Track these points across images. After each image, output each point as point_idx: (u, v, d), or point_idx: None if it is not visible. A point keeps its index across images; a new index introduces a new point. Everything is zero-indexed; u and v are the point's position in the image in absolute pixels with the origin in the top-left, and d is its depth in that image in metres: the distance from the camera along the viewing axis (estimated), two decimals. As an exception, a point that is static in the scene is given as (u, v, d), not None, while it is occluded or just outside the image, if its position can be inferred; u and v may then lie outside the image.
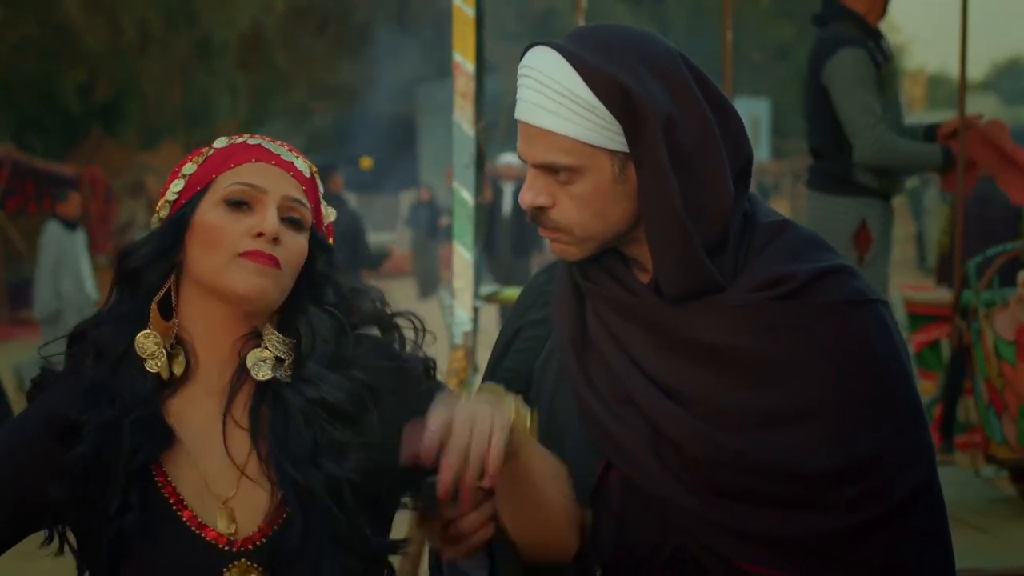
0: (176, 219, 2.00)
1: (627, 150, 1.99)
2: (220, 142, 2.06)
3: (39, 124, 24.74)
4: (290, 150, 2.06)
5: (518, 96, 2.04)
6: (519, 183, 13.77)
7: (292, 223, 1.99)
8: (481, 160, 5.24)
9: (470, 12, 4.83)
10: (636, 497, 2.03)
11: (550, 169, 2.01)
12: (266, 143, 2.05)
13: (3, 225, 18.87)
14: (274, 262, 1.95)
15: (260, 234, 1.95)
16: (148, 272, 2.00)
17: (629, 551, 2.03)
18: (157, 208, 2.04)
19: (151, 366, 1.99)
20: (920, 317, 6.84)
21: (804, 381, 1.98)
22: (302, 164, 2.05)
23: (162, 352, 1.99)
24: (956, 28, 6.16)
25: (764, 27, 33.56)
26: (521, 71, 2.04)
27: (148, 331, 1.99)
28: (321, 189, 2.09)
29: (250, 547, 1.95)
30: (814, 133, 5.74)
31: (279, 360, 2.00)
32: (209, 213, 1.98)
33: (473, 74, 4.84)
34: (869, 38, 5.56)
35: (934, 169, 5.70)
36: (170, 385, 2.01)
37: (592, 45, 2.00)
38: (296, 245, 1.99)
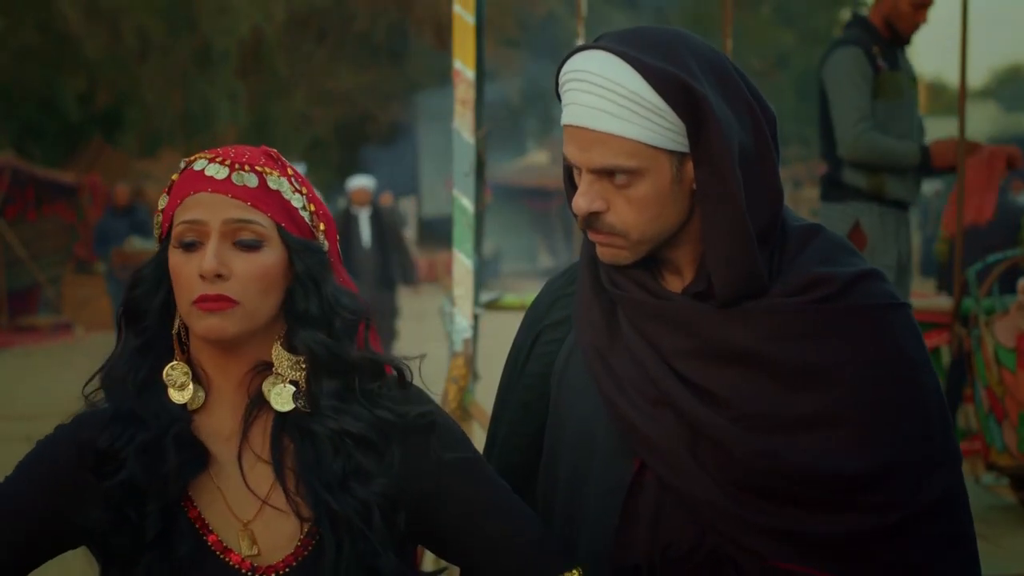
0: (157, 256, 2.01)
1: (686, 150, 1.98)
2: (181, 165, 2.02)
3: (39, 131, 24.75)
4: (233, 164, 1.97)
5: (570, 100, 2.01)
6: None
7: (243, 245, 1.95)
8: (481, 168, 5.24)
9: (470, 19, 4.83)
10: (671, 497, 2.03)
11: (608, 173, 1.99)
12: (207, 166, 1.98)
13: (3, 232, 18.87)
14: (223, 301, 1.93)
15: (203, 276, 1.94)
16: (148, 311, 2.01)
17: (663, 551, 2.03)
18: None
19: (178, 396, 1.99)
20: (920, 324, 6.82)
21: (839, 384, 1.99)
22: (244, 177, 1.97)
23: (190, 382, 2.00)
24: (956, 35, 6.17)
25: (764, 35, 33.58)
26: (571, 75, 2.01)
27: (176, 363, 2.00)
28: (285, 185, 2.00)
29: (273, 575, 1.95)
30: (821, 139, 5.82)
31: (295, 384, 1.99)
32: (171, 255, 1.98)
33: (473, 81, 4.84)
34: (876, 43, 5.59)
35: (911, 167, 5.69)
36: (192, 415, 2.01)
37: (645, 46, 1.99)
38: (252, 267, 1.95)
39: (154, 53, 26.38)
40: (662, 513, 2.04)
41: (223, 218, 1.94)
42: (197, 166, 1.98)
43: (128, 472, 1.94)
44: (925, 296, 9.26)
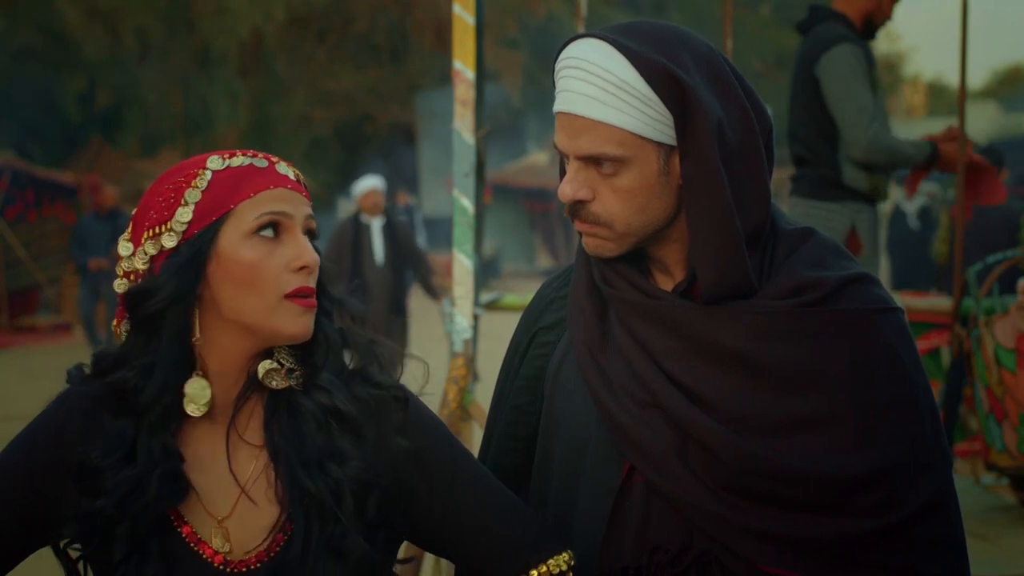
0: (195, 253, 1.91)
1: (674, 142, 1.98)
2: (214, 163, 1.96)
3: (39, 132, 24.75)
4: (288, 165, 2.02)
5: (561, 87, 2.01)
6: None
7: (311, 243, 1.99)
8: (481, 168, 5.24)
9: (470, 19, 4.83)
10: (660, 501, 2.03)
11: (595, 162, 2.00)
12: (274, 164, 1.99)
13: (3, 232, 18.87)
14: (314, 295, 1.95)
15: (302, 267, 1.93)
16: (171, 314, 1.92)
17: (651, 555, 2.03)
18: (152, 234, 1.93)
19: (195, 410, 1.95)
20: (920, 324, 6.82)
21: (830, 387, 1.99)
22: (301, 178, 2.02)
23: (209, 395, 1.95)
24: (956, 36, 6.17)
25: (764, 35, 33.58)
26: (565, 63, 2.02)
27: (199, 378, 1.94)
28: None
29: (244, 570, 1.95)
30: (803, 137, 5.64)
31: (291, 370, 1.99)
32: (240, 248, 1.91)
33: (473, 81, 4.84)
34: (859, 38, 5.58)
35: (922, 164, 5.64)
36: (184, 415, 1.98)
37: (640, 37, 1.99)
38: (318, 263, 1.99)
39: (154, 54, 26.38)
40: (651, 516, 2.04)
41: (305, 214, 1.98)
42: (258, 163, 1.97)
43: (103, 503, 1.91)
44: (925, 296, 9.27)
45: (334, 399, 1.97)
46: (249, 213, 1.93)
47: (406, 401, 2.04)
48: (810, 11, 5.73)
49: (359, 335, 2.05)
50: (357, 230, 11.03)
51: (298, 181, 2.00)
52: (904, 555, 1.99)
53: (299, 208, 1.97)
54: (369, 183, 11.28)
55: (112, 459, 1.92)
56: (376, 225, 11.05)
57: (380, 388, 2.03)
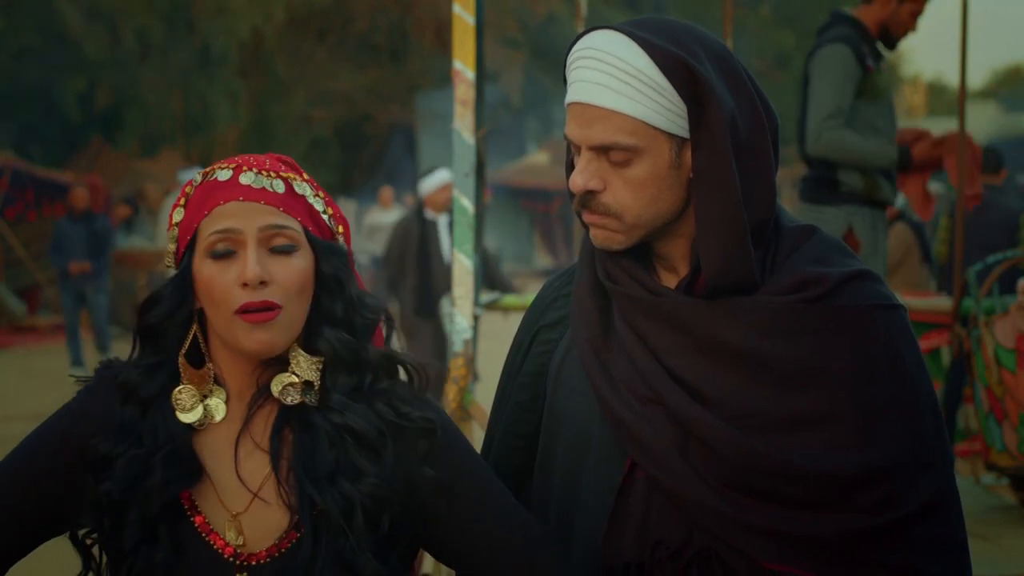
0: (180, 273, 2.00)
1: (686, 135, 1.99)
2: (196, 179, 2.02)
3: (39, 132, 24.75)
4: (261, 171, 1.99)
5: (575, 78, 2.02)
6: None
7: (279, 251, 1.96)
8: (481, 168, 5.24)
9: (470, 19, 4.83)
10: (661, 497, 2.03)
11: (606, 151, 2.00)
12: (234, 175, 1.98)
13: (3, 232, 18.87)
14: (269, 307, 1.94)
15: (244, 283, 1.94)
16: (167, 329, 2.00)
17: (652, 550, 2.04)
18: (166, 259, 2.05)
19: (186, 418, 1.99)
20: (920, 324, 6.82)
21: (831, 384, 1.99)
22: (273, 183, 1.99)
23: (199, 405, 2.00)
24: (956, 35, 6.18)
25: (764, 35, 33.58)
26: (580, 53, 2.03)
27: (184, 386, 2.00)
28: (308, 190, 2.03)
29: (255, 563, 1.96)
30: (805, 135, 5.74)
31: (308, 384, 2.00)
32: (201, 267, 1.97)
33: (473, 81, 4.84)
34: (865, 43, 5.61)
35: (889, 167, 5.69)
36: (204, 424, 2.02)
37: (655, 30, 2.01)
38: (291, 271, 1.96)
39: (154, 54, 26.38)
40: (652, 512, 2.04)
41: (259, 225, 1.96)
42: (221, 176, 1.98)
43: (109, 486, 1.95)
44: (926, 296, 9.27)
45: (347, 419, 1.98)
46: (206, 232, 1.97)
47: (433, 432, 2.03)
48: (830, 16, 5.86)
49: (373, 351, 2.03)
50: (423, 227, 10.04)
51: (262, 189, 1.98)
52: (904, 554, 1.99)
53: (250, 220, 1.96)
54: (443, 176, 9.98)
55: (122, 446, 1.97)
56: (443, 222, 9.97)
57: (406, 419, 2.01)
